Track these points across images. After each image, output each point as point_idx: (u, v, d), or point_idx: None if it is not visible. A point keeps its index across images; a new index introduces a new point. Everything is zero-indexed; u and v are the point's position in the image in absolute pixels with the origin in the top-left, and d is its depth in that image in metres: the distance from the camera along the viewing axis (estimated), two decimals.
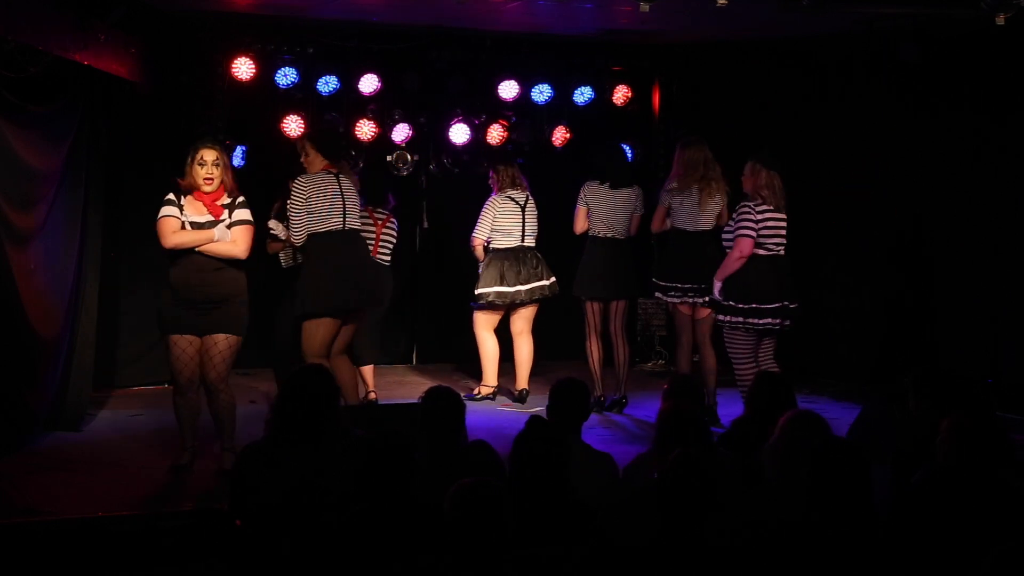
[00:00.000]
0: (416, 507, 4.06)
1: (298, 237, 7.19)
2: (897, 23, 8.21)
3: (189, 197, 6.50)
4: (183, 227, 6.45)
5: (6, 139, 6.66)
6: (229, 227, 6.51)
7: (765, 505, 4.14)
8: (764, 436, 4.57)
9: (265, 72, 8.97)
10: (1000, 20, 6.81)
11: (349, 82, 9.27)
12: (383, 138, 9.47)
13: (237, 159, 8.95)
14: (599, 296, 8.44)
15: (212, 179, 6.49)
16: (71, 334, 7.59)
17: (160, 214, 6.46)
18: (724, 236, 7.60)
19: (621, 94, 10.06)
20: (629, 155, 10.09)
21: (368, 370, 8.48)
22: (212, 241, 6.45)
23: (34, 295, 7.00)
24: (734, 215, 7.53)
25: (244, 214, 6.59)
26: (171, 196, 6.50)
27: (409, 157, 9.68)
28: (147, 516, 5.80)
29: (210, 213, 6.49)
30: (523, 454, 4.25)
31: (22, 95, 6.69)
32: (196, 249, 6.44)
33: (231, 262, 6.54)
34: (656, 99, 10.37)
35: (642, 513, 3.86)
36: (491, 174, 8.77)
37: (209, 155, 6.49)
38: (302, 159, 7.35)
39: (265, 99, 9.12)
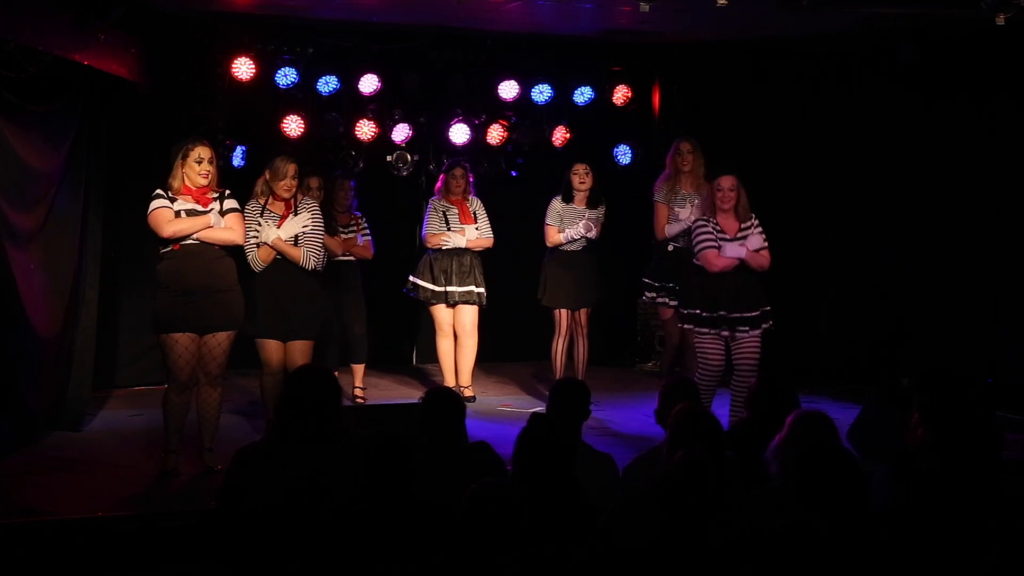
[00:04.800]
0: (416, 507, 4.06)
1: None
2: (896, 23, 8.22)
3: (178, 194, 6.50)
4: (177, 215, 6.45)
5: (6, 139, 6.66)
6: (222, 214, 6.54)
7: (768, 506, 4.14)
8: (766, 436, 4.58)
9: (265, 72, 8.98)
10: (1000, 20, 6.81)
11: (349, 82, 9.27)
12: (383, 138, 9.47)
13: (237, 159, 8.95)
14: (567, 307, 8.58)
15: (208, 175, 6.51)
16: (71, 334, 7.59)
17: (151, 207, 6.46)
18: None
19: (621, 94, 10.05)
20: (630, 156, 10.13)
21: (359, 369, 8.49)
22: (209, 226, 6.46)
23: (34, 295, 6.99)
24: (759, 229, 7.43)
25: (233, 203, 6.65)
26: (159, 191, 6.51)
27: (409, 157, 9.67)
28: (147, 516, 5.80)
29: (199, 203, 6.51)
30: (527, 452, 4.25)
31: (22, 95, 6.69)
32: (194, 237, 6.45)
33: (226, 251, 6.58)
34: (656, 99, 10.37)
35: (646, 513, 3.87)
36: (472, 177, 8.79)
37: (206, 152, 6.51)
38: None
39: (265, 99, 9.12)
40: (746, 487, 4.49)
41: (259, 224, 7.07)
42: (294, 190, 7.16)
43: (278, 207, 7.13)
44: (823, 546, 3.25)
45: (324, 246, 7.31)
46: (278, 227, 7.06)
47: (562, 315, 8.58)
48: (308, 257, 7.12)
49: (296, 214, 7.12)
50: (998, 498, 4.06)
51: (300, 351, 7.13)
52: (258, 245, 7.07)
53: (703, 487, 3.77)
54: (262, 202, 7.17)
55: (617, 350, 10.50)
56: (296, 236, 7.09)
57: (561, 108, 9.92)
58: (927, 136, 9.01)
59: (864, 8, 7.76)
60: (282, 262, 7.11)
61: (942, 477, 4.15)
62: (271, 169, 7.17)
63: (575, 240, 8.46)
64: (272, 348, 7.13)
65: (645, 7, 6.95)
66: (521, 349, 10.17)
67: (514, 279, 9.48)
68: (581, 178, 8.51)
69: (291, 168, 7.13)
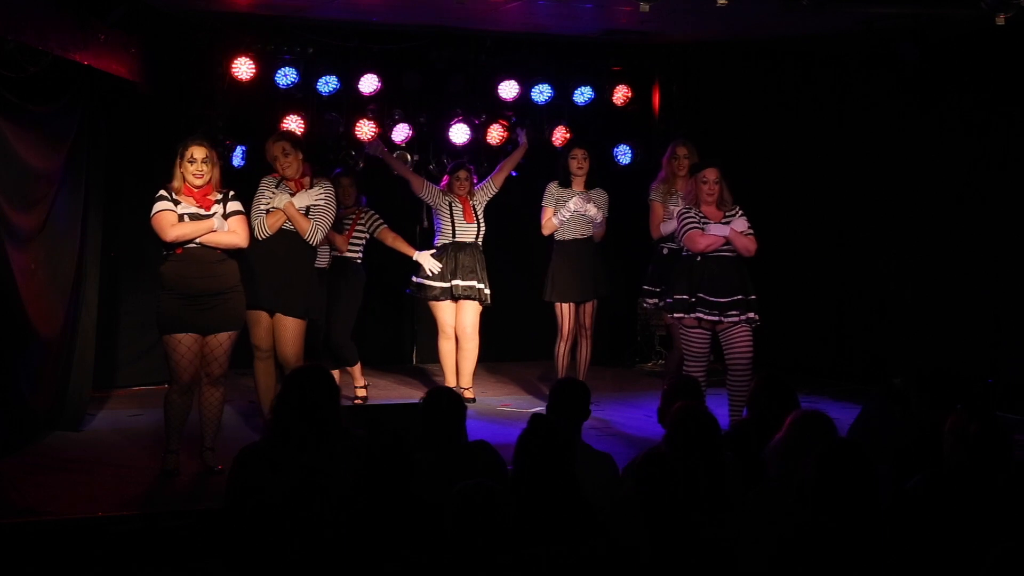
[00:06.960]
0: (416, 506, 4.07)
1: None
2: (896, 23, 8.22)
3: (180, 195, 6.52)
4: (181, 219, 6.46)
5: (6, 139, 6.65)
6: (225, 217, 6.55)
7: (767, 506, 4.14)
8: (765, 436, 4.58)
9: (265, 72, 8.98)
10: (1000, 20, 6.81)
11: (349, 82, 9.27)
12: (383, 138, 9.47)
13: (237, 159, 8.96)
14: (572, 299, 8.49)
15: (202, 175, 6.52)
16: (71, 334, 7.59)
17: (154, 210, 6.47)
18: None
19: (621, 94, 10.06)
20: (630, 156, 10.13)
21: (355, 371, 8.48)
22: (213, 231, 6.48)
23: (34, 295, 6.99)
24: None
25: (237, 205, 6.67)
26: (163, 192, 6.52)
27: (409, 157, 9.66)
28: (147, 516, 5.80)
29: (202, 206, 6.52)
30: (528, 452, 4.25)
31: (22, 95, 6.68)
32: (197, 241, 6.46)
33: (228, 253, 6.59)
34: (656, 99, 10.37)
35: (636, 513, 3.87)
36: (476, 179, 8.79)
37: (199, 152, 6.52)
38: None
39: (265, 99, 9.12)
40: (745, 487, 4.49)
41: (272, 192, 7.22)
42: (296, 165, 7.26)
43: (292, 184, 7.27)
44: (841, 547, 3.25)
45: (329, 225, 7.39)
46: (291, 195, 7.21)
47: (565, 313, 8.48)
48: (315, 230, 7.22)
49: (311, 188, 7.27)
50: (1008, 498, 4.06)
51: (290, 329, 7.20)
52: (267, 211, 7.15)
53: (672, 485, 3.76)
54: (278, 177, 7.32)
55: (617, 350, 10.50)
56: (308, 208, 7.21)
57: (561, 108, 9.93)
58: (927, 136, 9.01)
59: (864, 8, 7.76)
60: (284, 235, 7.19)
61: (948, 477, 4.14)
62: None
63: (567, 218, 8.40)
64: (261, 324, 7.20)
65: (645, 7, 6.95)
66: (523, 349, 10.18)
67: (515, 279, 9.47)
68: (579, 163, 8.51)
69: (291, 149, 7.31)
